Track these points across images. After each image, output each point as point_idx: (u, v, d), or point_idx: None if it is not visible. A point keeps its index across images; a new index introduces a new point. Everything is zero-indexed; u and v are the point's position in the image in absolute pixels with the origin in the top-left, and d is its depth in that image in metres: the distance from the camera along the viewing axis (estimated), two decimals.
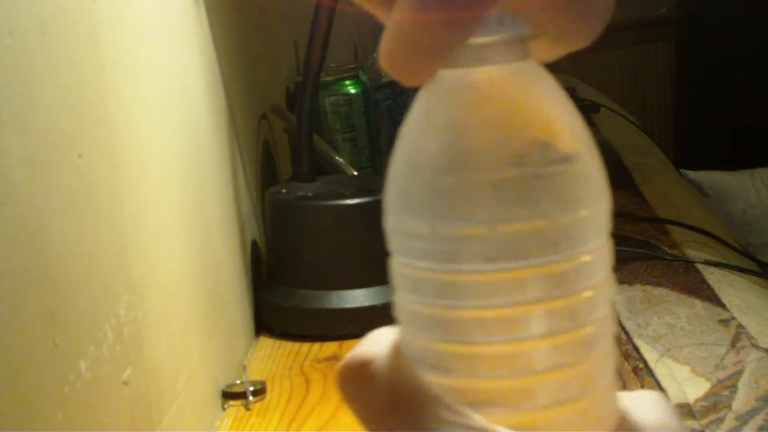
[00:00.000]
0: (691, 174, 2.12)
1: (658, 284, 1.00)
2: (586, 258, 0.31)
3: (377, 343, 0.30)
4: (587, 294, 0.31)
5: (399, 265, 0.32)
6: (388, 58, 0.28)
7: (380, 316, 0.71)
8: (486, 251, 0.29)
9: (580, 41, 0.29)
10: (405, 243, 0.31)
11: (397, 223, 0.31)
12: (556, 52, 0.30)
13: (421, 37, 0.27)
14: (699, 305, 0.94)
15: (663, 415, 0.31)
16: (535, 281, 0.30)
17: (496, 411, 0.30)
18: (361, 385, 0.29)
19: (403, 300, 0.32)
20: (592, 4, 0.27)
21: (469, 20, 0.27)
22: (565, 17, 0.28)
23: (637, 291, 1.00)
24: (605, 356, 0.32)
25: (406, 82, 0.28)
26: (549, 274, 0.30)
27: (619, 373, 0.87)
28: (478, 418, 0.28)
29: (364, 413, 0.29)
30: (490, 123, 0.30)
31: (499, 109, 0.31)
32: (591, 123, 1.76)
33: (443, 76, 0.31)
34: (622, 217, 1.22)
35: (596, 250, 0.31)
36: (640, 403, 0.31)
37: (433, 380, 0.30)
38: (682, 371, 0.82)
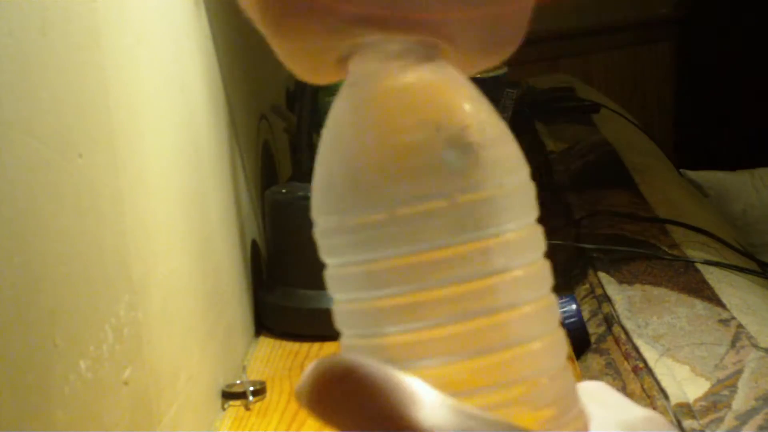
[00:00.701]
0: (691, 174, 2.12)
1: (658, 284, 1.01)
2: (513, 235, 0.31)
3: (327, 361, 0.29)
4: (518, 272, 0.31)
5: (330, 269, 0.32)
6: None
7: None
8: (445, 225, 0.30)
9: (479, 66, 0.31)
10: (331, 243, 0.32)
11: (347, 219, 0.31)
12: (469, 67, 0.31)
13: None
14: (699, 305, 0.94)
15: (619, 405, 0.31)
16: (494, 252, 0.30)
17: (473, 392, 0.30)
18: (337, 394, 0.28)
19: (338, 303, 0.32)
20: (498, 39, 0.30)
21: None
22: (474, 44, 0.30)
23: (637, 291, 1.00)
24: (554, 337, 0.32)
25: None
26: (478, 250, 0.30)
27: (619, 373, 0.87)
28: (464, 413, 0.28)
29: (349, 420, 0.28)
30: (414, 108, 0.31)
31: (420, 96, 0.31)
32: (591, 123, 1.76)
33: (357, 74, 0.32)
34: (622, 217, 1.22)
35: (523, 229, 0.31)
36: (591, 393, 0.32)
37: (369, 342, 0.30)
38: (682, 371, 0.82)
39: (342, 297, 0.32)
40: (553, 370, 0.31)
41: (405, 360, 0.30)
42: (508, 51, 0.30)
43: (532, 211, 0.32)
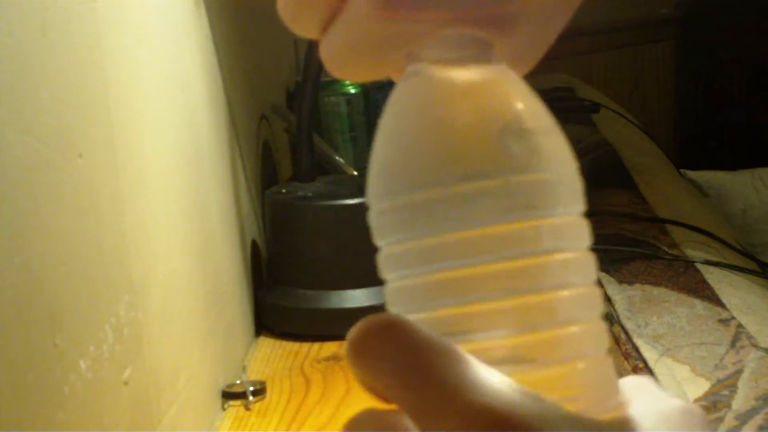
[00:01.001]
0: (691, 174, 2.12)
1: (658, 284, 1.01)
2: (563, 219, 0.32)
3: (380, 315, 0.30)
4: (568, 255, 0.32)
5: (383, 250, 0.33)
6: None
7: None
8: (498, 204, 0.31)
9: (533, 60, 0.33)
10: (385, 223, 0.33)
11: (401, 198, 0.32)
12: (520, 65, 0.34)
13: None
14: (699, 305, 0.94)
15: (657, 397, 0.31)
16: (545, 232, 0.31)
17: (515, 368, 0.31)
18: (389, 344, 0.28)
19: (391, 284, 0.33)
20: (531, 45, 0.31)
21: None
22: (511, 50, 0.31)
23: (637, 291, 1.00)
24: (598, 325, 0.33)
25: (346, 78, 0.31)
26: (529, 229, 0.31)
27: (619, 373, 0.87)
28: (506, 379, 0.29)
29: (392, 375, 0.28)
30: (473, 96, 0.33)
31: (477, 86, 0.33)
32: (591, 123, 1.76)
33: (418, 66, 0.33)
34: (622, 217, 1.22)
35: (572, 215, 0.33)
36: (635, 385, 0.32)
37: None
38: (682, 371, 0.82)
39: (394, 275, 0.33)
40: (591, 357, 0.32)
41: (451, 333, 0.31)
42: (548, 44, 0.32)
43: (580, 202, 0.33)
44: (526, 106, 0.33)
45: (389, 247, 0.33)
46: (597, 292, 0.33)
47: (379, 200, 0.33)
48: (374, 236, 0.34)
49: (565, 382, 0.31)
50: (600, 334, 0.33)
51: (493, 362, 0.30)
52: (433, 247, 0.31)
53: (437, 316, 0.31)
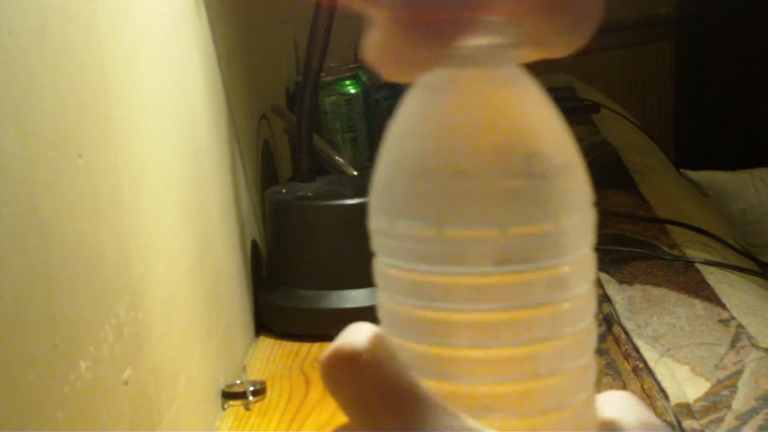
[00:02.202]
0: (691, 174, 2.12)
1: (658, 284, 1.01)
2: (560, 270, 0.30)
3: (361, 336, 0.29)
4: (562, 306, 0.30)
5: (389, 267, 0.31)
6: (377, 53, 0.28)
7: None
8: (491, 254, 0.29)
9: (562, 50, 0.29)
10: (381, 241, 0.31)
11: (398, 225, 0.30)
12: (538, 55, 0.31)
13: (410, 37, 0.27)
14: (699, 305, 0.94)
15: (643, 413, 0.30)
16: (538, 285, 0.29)
17: (493, 416, 0.30)
18: (349, 377, 0.28)
19: (391, 302, 0.31)
20: (576, 17, 0.28)
21: (458, 24, 0.27)
22: (550, 28, 0.28)
23: (637, 291, 1.00)
24: (585, 367, 0.31)
25: (393, 78, 0.28)
26: (549, 278, 0.29)
27: (619, 373, 0.87)
28: (476, 424, 0.28)
29: (351, 407, 0.28)
30: (480, 129, 0.30)
31: (488, 116, 0.30)
32: (591, 123, 1.76)
33: (431, 76, 0.30)
34: (622, 217, 1.22)
35: (572, 263, 0.31)
36: (616, 404, 0.31)
37: (428, 385, 0.30)
38: (682, 371, 0.82)
39: (384, 294, 0.32)
40: (573, 404, 0.31)
41: (433, 371, 0.30)
42: (579, 42, 0.28)
43: (588, 242, 0.31)
44: (539, 142, 0.30)
45: (381, 265, 0.31)
46: (591, 328, 0.31)
47: (377, 217, 0.31)
48: (372, 244, 0.32)
49: (547, 429, 0.30)
50: (585, 376, 0.31)
51: (472, 408, 0.29)
52: (422, 283, 0.30)
53: (421, 351, 0.30)
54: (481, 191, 0.29)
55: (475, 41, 0.30)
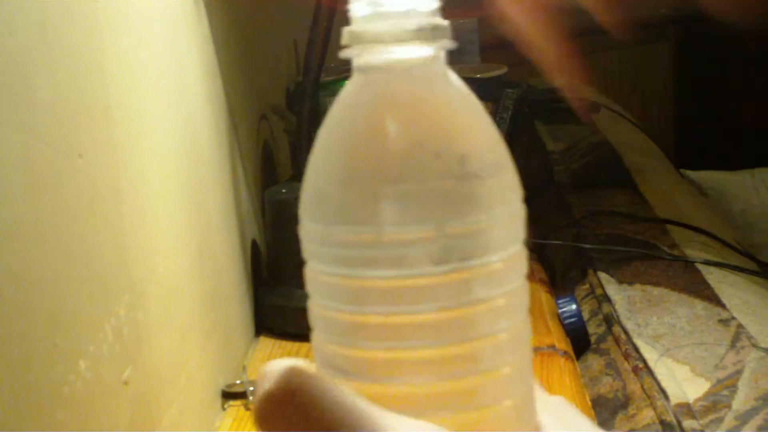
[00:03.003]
0: (691, 174, 2.11)
1: (658, 284, 1.00)
2: (497, 266, 0.30)
3: (285, 376, 0.28)
4: (499, 301, 0.31)
5: (312, 271, 0.31)
6: None
7: None
8: (430, 254, 0.29)
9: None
10: (316, 249, 0.31)
11: (333, 232, 0.30)
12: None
13: None
14: (699, 305, 0.94)
15: (573, 422, 0.31)
16: (476, 282, 0.30)
17: (438, 414, 0.30)
18: (291, 418, 0.27)
19: (326, 309, 0.31)
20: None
21: None
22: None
23: (637, 291, 1.00)
24: (523, 360, 0.32)
25: None
26: (486, 275, 0.30)
27: (619, 373, 0.87)
28: (420, 424, 0.28)
29: None
30: (412, 132, 0.30)
31: (419, 119, 0.30)
32: (591, 123, 1.76)
33: (365, 73, 0.31)
34: (622, 217, 1.22)
35: (507, 258, 0.31)
36: (548, 408, 0.32)
37: (369, 390, 0.30)
38: (682, 371, 0.82)
39: (319, 301, 0.31)
40: (518, 396, 0.31)
41: (373, 375, 0.30)
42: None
43: (520, 237, 0.32)
44: (472, 143, 0.30)
45: (315, 273, 0.31)
46: (527, 321, 0.32)
47: (310, 224, 0.31)
48: (303, 252, 0.31)
49: (491, 422, 0.30)
50: (524, 370, 0.32)
51: (416, 409, 0.29)
52: (359, 289, 0.29)
53: (362, 356, 0.30)
54: (418, 193, 0.29)
55: (402, 49, 0.30)
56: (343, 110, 0.31)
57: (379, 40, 0.31)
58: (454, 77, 0.31)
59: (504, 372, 0.31)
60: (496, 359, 0.31)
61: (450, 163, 0.30)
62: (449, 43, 0.31)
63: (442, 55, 0.32)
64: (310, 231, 0.31)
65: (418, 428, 0.28)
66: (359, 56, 0.31)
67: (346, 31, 0.31)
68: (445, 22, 0.31)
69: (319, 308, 0.31)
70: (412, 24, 0.30)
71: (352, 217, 0.30)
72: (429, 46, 0.31)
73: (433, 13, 0.31)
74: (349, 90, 0.31)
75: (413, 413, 0.29)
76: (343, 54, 0.31)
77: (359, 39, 0.31)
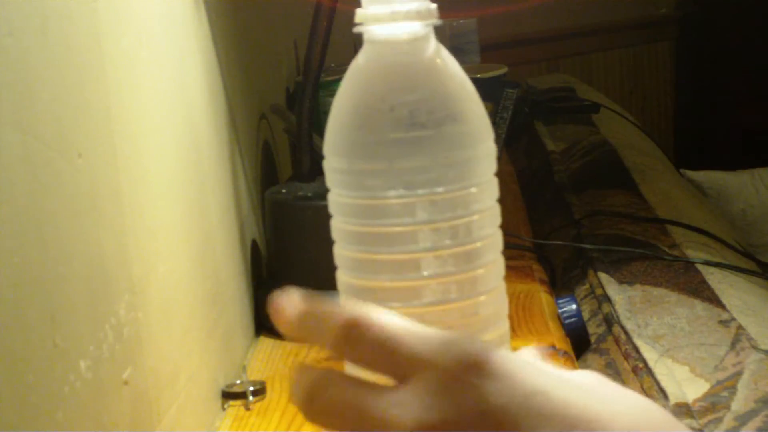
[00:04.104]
0: (691, 174, 2.12)
1: (658, 284, 1.00)
2: (472, 190, 0.41)
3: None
4: (473, 218, 0.41)
5: (333, 195, 0.44)
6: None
7: None
8: (384, 183, 0.40)
9: None
10: (333, 176, 0.43)
11: (329, 161, 0.42)
12: None
13: None
14: (699, 306, 0.94)
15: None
16: (423, 207, 0.40)
17: (393, 305, 0.40)
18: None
19: (335, 221, 0.44)
20: None
21: None
22: None
23: (637, 291, 1.00)
24: (489, 269, 0.42)
25: None
26: (435, 202, 0.40)
27: (619, 373, 0.87)
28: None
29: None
30: (374, 91, 0.41)
31: (387, 81, 0.41)
32: (591, 123, 1.76)
33: (364, 50, 0.42)
34: (622, 217, 1.22)
35: (481, 184, 0.41)
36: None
37: (352, 281, 0.43)
38: (682, 371, 0.82)
39: (341, 219, 0.44)
40: (492, 290, 0.42)
41: (374, 300, 0.39)
42: None
43: (473, 177, 0.41)
44: (425, 99, 0.40)
45: (339, 197, 0.43)
46: (499, 238, 0.43)
47: (337, 160, 0.43)
48: (328, 183, 0.44)
49: (467, 312, 0.41)
50: (497, 270, 0.43)
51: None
52: (373, 207, 0.41)
53: (373, 258, 0.41)
54: (374, 138, 0.40)
55: (394, 26, 0.41)
56: (350, 73, 0.42)
57: (376, 20, 0.41)
58: (443, 51, 0.42)
59: (484, 270, 0.41)
60: (481, 288, 0.42)
61: (401, 115, 0.40)
62: (436, 22, 0.42)
63: (429, 31, 0.42)
64: (334, 163, 0.43)
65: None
66: (363, 33, 0.42)
67: (356, 12, 0.42)
68: (432, 5, 0.42)
69: (338, 224, 0.44)
70: (403, 7, 0.41)
71: (336, 152, 0.42)
72: (417, 23, 0.41)
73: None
74: (357, 57, 0.42)
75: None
76: (355, 30, 0.42)
77: (363, 19, 0.42)
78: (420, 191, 0.40)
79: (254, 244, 0.98)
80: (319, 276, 0.97)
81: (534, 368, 0.35)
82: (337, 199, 0.43)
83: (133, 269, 0.56)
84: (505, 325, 0.43)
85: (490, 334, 0.41)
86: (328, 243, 0.94)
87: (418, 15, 0.41)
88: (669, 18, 3.03)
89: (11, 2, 0.42)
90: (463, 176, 0.41)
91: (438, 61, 0.41)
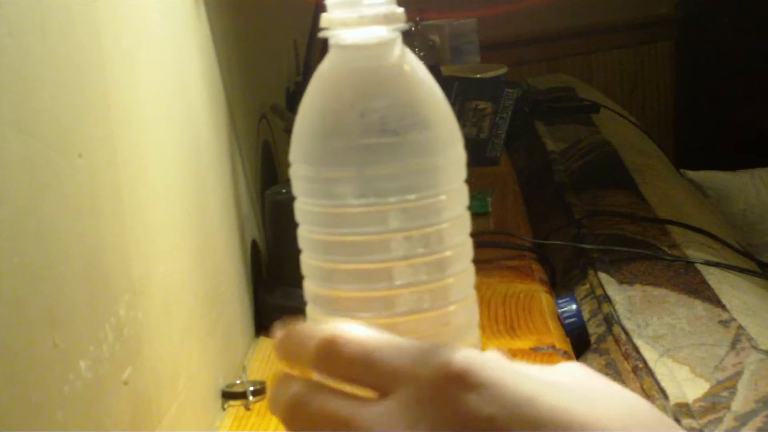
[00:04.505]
0: (691, 174, 2.12)
1: (658, 284, 1.00)
2: (441, 197, 0.40)
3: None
4: (443, 226, 0.40)
5: (300, 203, 0.43)
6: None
7: None
8: (354, 191, 0.39)
9: None
10: (300, 184, 0.43)
11: (296, 169, 0.43)
12: None
13: None
14: (699, 306, 0.94)
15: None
16: (395, 215, 0.39)
17: (364, 316, 0.39)
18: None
19: (301, 230, 0.43)
20: None
21: None
22: None
23: (637, 291, 1.00)
24: (460, 277, 0.41)
25: None
26: (406, 210, 0.39)
27: (619, 373, 0.87)
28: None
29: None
30: (343, 97, 0.40)
31: (355, 86, 0.40)
32: (591, 123, 1.76)
33: (330, 55, 0.41)
34: (622, 217, 1.22)
35: (450, 191, 0.41)
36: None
37: (321, 291, 0.42)
38: (682, 371, 0.82)
39: (307, 228, 0.43)
40: (460, 301, 0.42)
41: (345, 310, 0.40)
42: None
43: (441, 184, 0.41)
44: (394, 104, 0.39)
45: (304, 205, 0.43)
46: (469, 244, 0.42)
47: (302, 167, 0.43)
48: (294, 191, 0.44)
49: (439, 321, 0.40)
50: (468, 279, 0.42)
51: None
52: (338, 215, 0.41)
53: (337, 267, 0.41)
54: (345, 145, 0.40)
55: (359, 31, 0.40)
56: (316, 78, 0.41)
57: (343, 24, 0.40)
58: (410, 56, 0.41)
59: (453, 280, 0.41)
60: (451, 297, 0.41)
61: (371, 121, 0.39)
62: (403, 26, 0.41)
63: (397, 36, 0.41)
64: (299, 171, 0.43)
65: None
66: (330, 37, 0.41)
67: (322, 16, 0.41)
68: (400, 9, 0.41)
69: (302, 232, 0.44)
70: (370, 11, 0.40)
71: (303, 159, 0.42)
72: (384, 28, 0.40)
73: (390, 1, 0.41)
74: (324, 62, 0.41)
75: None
76: (321, 35, 0.41)
77: (330, 23, 0.41)
78: (392, 199, 0.39)
79: (254, 244, 0.98)
80: None
81: (517, 374, 0.34)
82: (304, 208, 0.42)
83: (133, 269, 0.56)
84: (476, 334, 0.43)
85: (462, 343, 0.41)
86: None
87: (386, 19, 0.40)
88: (669, 18, 3.03)
89: (11, 2, 0.42)
90: (435, 183, 0.40)
91: (406, 66, 0.40)
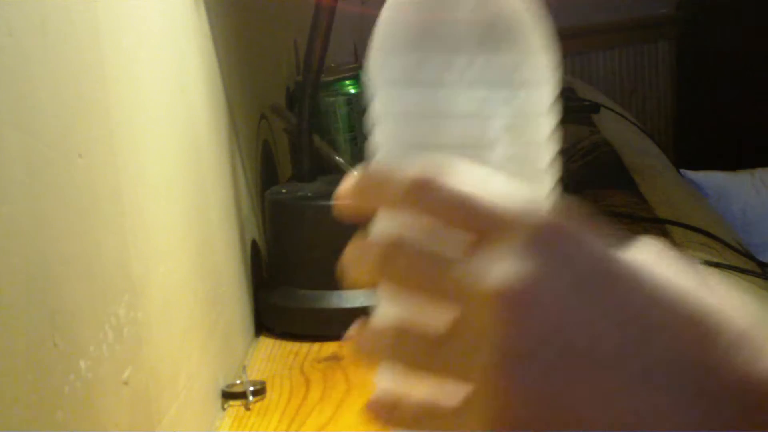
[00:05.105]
0: (691, 174, 2.12)
1: None
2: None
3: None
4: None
5: (384, 96, 0.48)
6: None
7: None
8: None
9: None
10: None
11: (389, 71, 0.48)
12: None
13: None
14: None
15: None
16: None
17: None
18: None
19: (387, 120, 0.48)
20: None
21: None
22: None
23: None
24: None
25: None
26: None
27: None
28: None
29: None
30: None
31: None
32: (591, 123, 1.76)
33: None
34: (622, 217, 1.22)
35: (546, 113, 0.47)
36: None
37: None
38: None
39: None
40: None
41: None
42: None
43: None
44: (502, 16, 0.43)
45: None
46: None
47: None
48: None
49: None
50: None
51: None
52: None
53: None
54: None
55: None
56: None
57: None
58: None
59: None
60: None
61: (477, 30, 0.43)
62: None
63: None
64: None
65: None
66: None
67: None
68: None
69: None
70: None
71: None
72: None
73: None
74: None
75: None
76: None
77: None
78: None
79: (254, 244, 0.98)
80: (320, 276, 0.97)
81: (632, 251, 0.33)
82: (393, 94, 0.47)
83: (133, 269, 0.56)
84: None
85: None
86: (329, 243, 0.94)
87: None
88: (669, 18, 3.03)
89: (11, 2, 0.42)
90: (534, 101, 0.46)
91: None
